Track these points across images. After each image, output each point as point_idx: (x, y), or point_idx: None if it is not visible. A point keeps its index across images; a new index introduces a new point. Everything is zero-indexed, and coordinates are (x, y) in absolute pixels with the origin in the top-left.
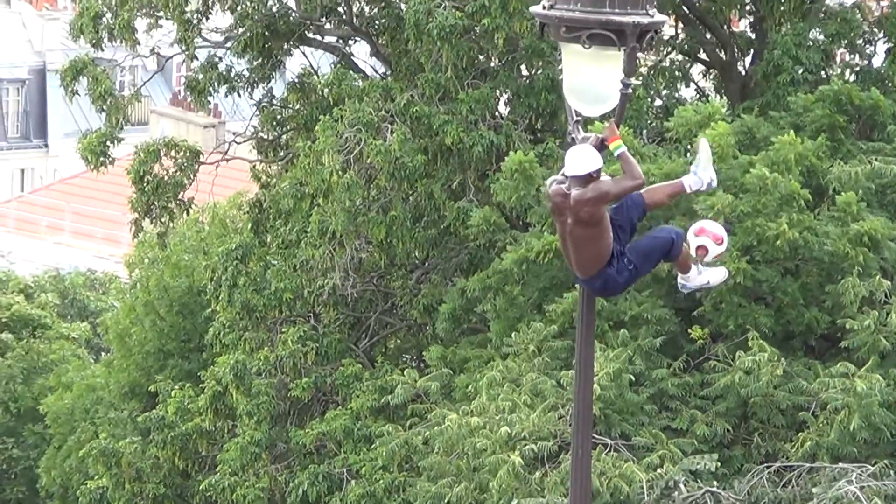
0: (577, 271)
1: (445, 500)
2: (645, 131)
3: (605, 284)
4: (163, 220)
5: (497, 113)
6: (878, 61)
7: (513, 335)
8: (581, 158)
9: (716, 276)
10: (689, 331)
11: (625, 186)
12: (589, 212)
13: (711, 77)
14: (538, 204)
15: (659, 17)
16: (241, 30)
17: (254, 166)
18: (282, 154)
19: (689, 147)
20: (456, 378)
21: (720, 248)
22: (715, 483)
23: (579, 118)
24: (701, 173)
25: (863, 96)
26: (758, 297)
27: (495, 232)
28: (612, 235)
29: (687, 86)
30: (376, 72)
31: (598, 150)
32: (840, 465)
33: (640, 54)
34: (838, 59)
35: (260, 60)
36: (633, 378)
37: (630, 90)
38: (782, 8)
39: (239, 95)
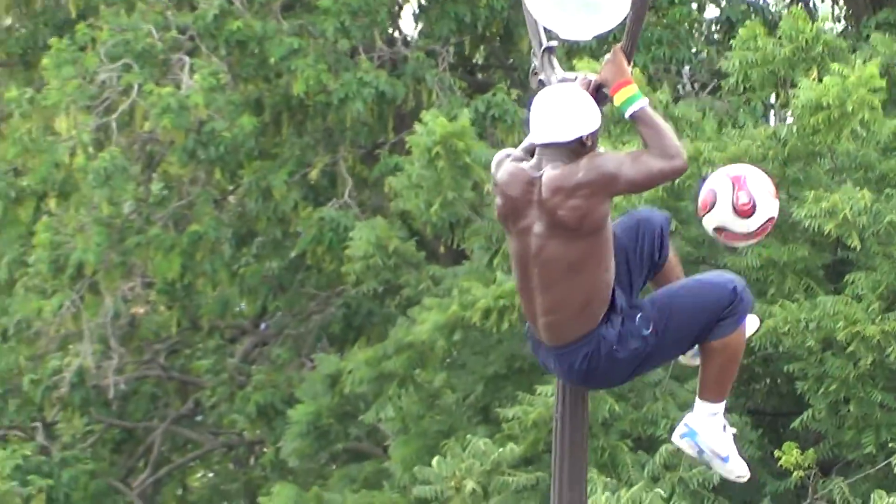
0: (542, 332)
1: None
2: (687, 69)
3: (590, 361)
4: None
5: (397, 32)
6: None
7: (433, 463)
8: (563, 111)
9: (740, 467)
10: (776, 452)
11: (650, 170)
12: (580, 211)
13: None
14: (482, 214)
15: None
16: None
17: None
18: None
19: (771, 103)
20: None
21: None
22: None
23: (552, 44)
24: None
25: None
26: None
27: (396, 268)
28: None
29: None
30: None
31: (596, 102)
32: None
33: None
34: None
35: None
36: None
37: None
38: None
39: None
